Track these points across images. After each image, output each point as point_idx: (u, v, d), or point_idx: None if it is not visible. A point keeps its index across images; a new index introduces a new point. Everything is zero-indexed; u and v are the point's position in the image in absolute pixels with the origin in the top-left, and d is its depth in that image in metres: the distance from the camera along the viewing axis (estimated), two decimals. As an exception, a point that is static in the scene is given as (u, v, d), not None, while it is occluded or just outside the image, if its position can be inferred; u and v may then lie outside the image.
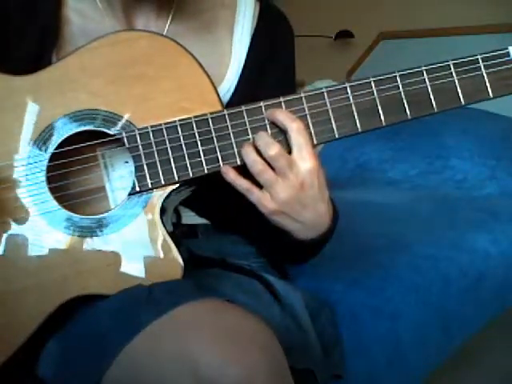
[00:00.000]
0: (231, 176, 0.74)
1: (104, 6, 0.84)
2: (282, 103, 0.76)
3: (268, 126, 0.75)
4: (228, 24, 0.90)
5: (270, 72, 0.91)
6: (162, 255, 0.75)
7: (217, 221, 0.96)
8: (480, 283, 1.18)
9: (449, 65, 0.77)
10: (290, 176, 0.72)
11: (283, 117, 0.74)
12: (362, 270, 1.09)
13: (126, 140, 0.74)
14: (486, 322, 1.24)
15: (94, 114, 0.74)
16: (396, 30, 2.57)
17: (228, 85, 0.88)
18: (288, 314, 0.81)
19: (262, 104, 0.76)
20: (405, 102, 0.77)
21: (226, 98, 0.87)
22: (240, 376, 0.58)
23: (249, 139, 0.75)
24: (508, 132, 1.75)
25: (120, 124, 0.75)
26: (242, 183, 0.74)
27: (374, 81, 0.76)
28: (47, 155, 0.74)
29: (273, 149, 0.72)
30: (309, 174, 0.73)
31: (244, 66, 0.89)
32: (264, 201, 0.73)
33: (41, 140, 0.74)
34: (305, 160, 0.73)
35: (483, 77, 0.77)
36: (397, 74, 0.77)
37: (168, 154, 0.74)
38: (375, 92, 0.76)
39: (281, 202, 0.73)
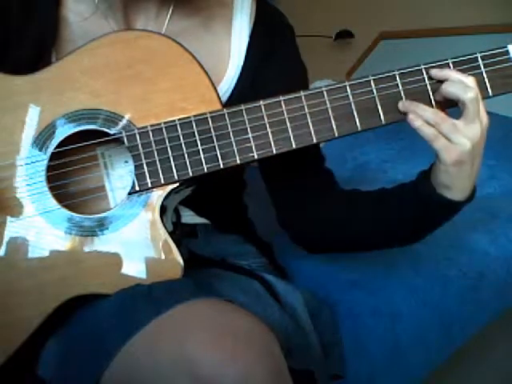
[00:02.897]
0: (418, 123, 0.76)
1: (103, 7, 0.84)
2: (282, 102, 0.76)
3: (268, 125, 0.75)
4: (226, 22, 0.90)
5: (271, 67, 0.90)
6: (162, 255, 0.75)
7: (217, 221, 0.96)
8: (480, 283, 1.18)
9: (448, 63, 0.77)
10: (476, 124, 0.74)
11: (455, 89, 0.74)
12: (362, 270, 1.08)
13: (125, 139, 0.74)
14: (485, 322, 1.24)
15: (94, 114, 0.74)
16: (396, 30, 2.57)
17: (228, 83, 0.88)
18: (288, 314, 0.81)
19: (261, 103, 0.75)
20: (404, 100, 0.76)
21: (225, 96, 0.87)
22: (238, 376, 0.58)
23: (248, 138, 0.75)
24: (508, 132, 1.74)
25: (120, 124, 0.75)
26: (429, 131, 0.75)
27: (373, 79, 0.76)
28: (47, 155, 0.74)
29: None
30: (485, 128, 0.76)
31: (244, 63, 0.89)
32: (449, 149, 0.74)
33: (41, 140, 0.74)
34: (483, 116, 0.75)
35: (483, 75, 0.77)
36: (396, 73, 0.77)
37: (168, 152, 0.74)
38: (375, 91, 0.76)
39: (465, 150, 0.74)
